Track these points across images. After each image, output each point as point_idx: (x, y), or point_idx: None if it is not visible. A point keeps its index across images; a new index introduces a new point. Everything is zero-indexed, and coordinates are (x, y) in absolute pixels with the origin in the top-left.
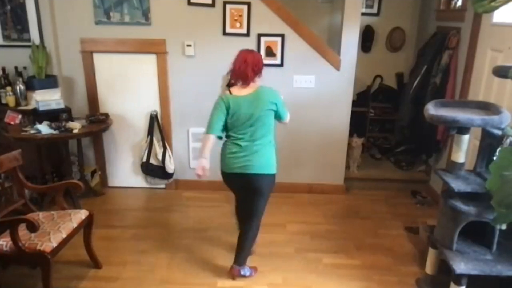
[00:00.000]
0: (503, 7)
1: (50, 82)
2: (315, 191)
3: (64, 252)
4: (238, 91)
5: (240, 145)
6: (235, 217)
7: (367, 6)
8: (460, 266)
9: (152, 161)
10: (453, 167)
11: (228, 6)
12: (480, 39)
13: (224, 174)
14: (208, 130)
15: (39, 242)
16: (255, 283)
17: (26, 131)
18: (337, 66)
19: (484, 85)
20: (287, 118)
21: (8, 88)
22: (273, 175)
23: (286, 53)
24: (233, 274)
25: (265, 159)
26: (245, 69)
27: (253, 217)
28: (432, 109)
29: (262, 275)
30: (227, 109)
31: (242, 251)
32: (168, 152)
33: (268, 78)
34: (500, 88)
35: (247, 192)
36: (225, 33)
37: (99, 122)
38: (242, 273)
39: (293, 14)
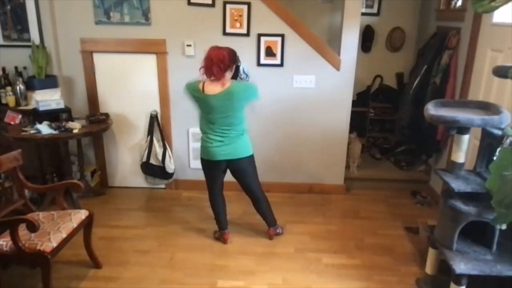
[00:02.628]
0: (503, 7)
1: (50, 82)
2: (315, 191)
3: (64, 252)
4: (211, 88)
5: (218, 135)
6: (212, 206)
7: (367, 6)
8: (460, 266)
9: (152, 161)
10: (453, 167)
11: (228, 6)
12: (480, 39)
13: (207, 161)
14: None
15: (39, 242)
16: (255, 283)
17: (26, 131)
18: (337, 66)
19: (484, 85)
20: (258, 96)
21: (8, 88)
22: (250, 156)
23: (286, 53)
24: (270, 234)
25: (242, 146)
26: (211, 67)
27: (255, 188)
28: (432, 109)
29: (262, 275)
30: (197, 101)
31: (266, 215)
32: (168, 152)
33: (268, 78)
34: (500, 88)
35: (236, 174)
36: (225, 33)
37: (99, 122)
38: (277, 231)
39: (293, 14)
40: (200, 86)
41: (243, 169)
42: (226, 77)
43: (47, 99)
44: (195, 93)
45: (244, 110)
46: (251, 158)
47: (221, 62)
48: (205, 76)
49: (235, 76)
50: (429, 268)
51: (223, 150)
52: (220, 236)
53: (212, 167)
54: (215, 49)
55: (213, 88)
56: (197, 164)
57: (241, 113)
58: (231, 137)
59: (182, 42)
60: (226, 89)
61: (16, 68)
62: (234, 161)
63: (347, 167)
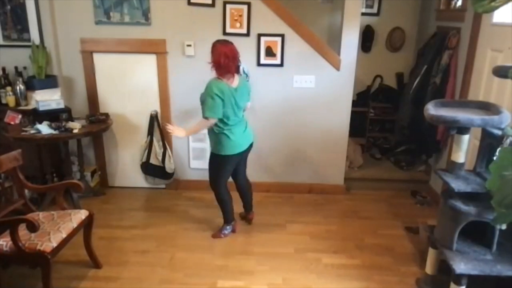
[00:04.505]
0: (503, 7)
1: (50, 82)
2: (315, 191)
3: (64, 252)
4: (233, 82)
5: (241, 126)
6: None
7: (367, 6)
8: (460, 266)
9: (152, 161)
10: (453, 167)
11: (228, 6)
12: (480, 39)
13: (236, 155)
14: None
15: (39, 242)
16: (255, 283)
17: (26, 131)
18: (337, 66)
19: (484, 85)
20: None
21: (8, 88)
22: None
23: (286, 53)
24: (251, 218)
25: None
26: (228, 64)
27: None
28: (432, 109)
29: (262, 275)
30: (223, 101)
31: (250, 199)
32: (168, 152)
33: (268, 78)
34: (500, 88)
35: (244, 159)
36: (225, 33)
37: (99, 122)
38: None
39: (293, 14)
40: (229, 83)
41: (248, 152)
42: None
43: (47, 99)
44: (228, 91)
45: None
46: None
47: (235, 58)
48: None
49: None
50: (429, 268)
51: (249, 134)
52: (232, 227)
53: (237, 158)
54: (224, 45)
55: (234, 82)
56: (197, 164)
57: None
58: (247, 123)
59: (182, 42)
60: (239, 83)
61: (16, 68)
62: (251, 144)
63: (350, 166)
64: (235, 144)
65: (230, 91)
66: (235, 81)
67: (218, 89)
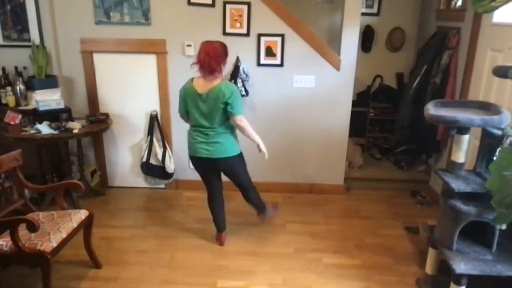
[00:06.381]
0: (503, 7)
1: (50, 82)
2: (315, 191)
3: (64, 252)
4: (202, 85)
5: (201, 133)
6: (209, 208)
7: (367, 6)
8: (460, 266)
9: (152, 161)
10: (453, 167)
11: (228, 6)
12: (480, 39)
13: (191, 157)
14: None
15: (39, 242)
16: (255, 283)
17: (26, 131)
18: (337, 66)
19: (484, 85)
20: (237, 118)
21: (8, 88)
22: (234, 156)
23: (286, 53)
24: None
25: (222, 146)
26: (209, 61)
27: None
28: (432, 109)
29: (262, 275)
30: (184, 100)
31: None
32: (168, 152)
33: (268, 78)
34: (500, 88)
35: (212, 173)
36: (225, 33)
37: (99, 122)
38: (267, 215)
39: (293, 14)
40: (193, 82)
41: (225, 169)
42: (222, 72)
43: (47, 99)
44: (187, 90)
45: (224, 114)
46: (235, 158)
47: (218, 57)
48: (198, 73)
49: (235, 76)
50: (429, 268)
51: (206, 147)
52: (217, 238)
53: (196, 163)
54: (208, 43)
55: (203, 86)
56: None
57: (222, 114)
58: (212, 136)
59: (182, 42)
60: (213, 88)
61: (16, 68)
62: (216, 160)
63: (350, 166)
64: (188, 145)
65: (190, 89)
66: (205, 85)
67: (183, 88)
